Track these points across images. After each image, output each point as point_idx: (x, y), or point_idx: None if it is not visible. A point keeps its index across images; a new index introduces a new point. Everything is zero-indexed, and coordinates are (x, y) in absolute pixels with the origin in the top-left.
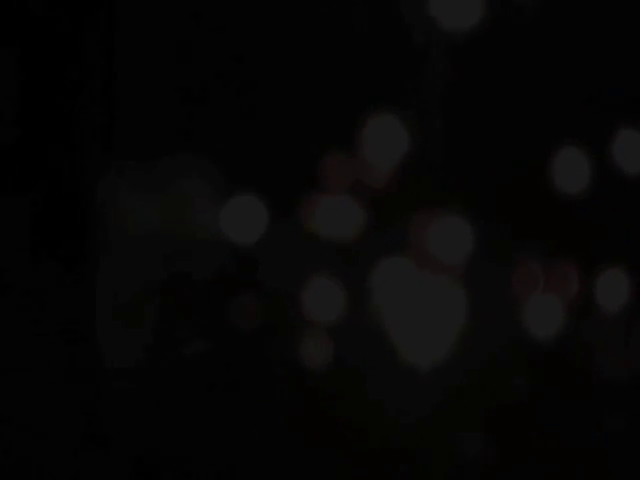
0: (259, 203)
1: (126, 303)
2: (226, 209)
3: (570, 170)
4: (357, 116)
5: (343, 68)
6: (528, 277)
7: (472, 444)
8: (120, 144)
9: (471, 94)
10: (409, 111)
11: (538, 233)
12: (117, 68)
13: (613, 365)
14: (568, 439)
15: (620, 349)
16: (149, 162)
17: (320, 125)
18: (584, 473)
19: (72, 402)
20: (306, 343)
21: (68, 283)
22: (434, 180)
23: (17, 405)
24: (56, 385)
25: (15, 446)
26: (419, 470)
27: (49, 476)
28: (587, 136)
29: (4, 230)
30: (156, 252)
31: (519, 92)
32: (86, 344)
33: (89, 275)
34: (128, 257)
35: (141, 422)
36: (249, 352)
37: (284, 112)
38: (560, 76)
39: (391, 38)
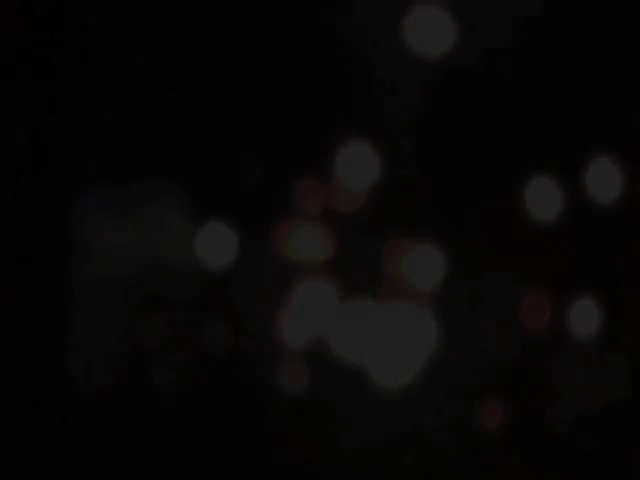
0: (231, 228)
1: (99, 324)
2: (199, 234)
3: (542, 198)
4: (329, 142)
5: (314, 95)
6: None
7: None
8: (94, 168)
9: (443, 120)
10: (381, 137)
11: (510, 260)
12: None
13: (583, 392)
14: (543, 463)
15: (591, 376)
16: (122, 188)
17: (292, 151)
18: None
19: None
20: (278, 368)
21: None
22: (405, 206)
23: None
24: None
25: None
26: None
27: None
28: (560, 164)
29: None
30: (129, 277)
31: (491, 120)
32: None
33: (60, 297)
34: (101, 281)
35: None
36: (221, 377)
37: (256, 138)
38: (534, 103)
39: (362, 64)
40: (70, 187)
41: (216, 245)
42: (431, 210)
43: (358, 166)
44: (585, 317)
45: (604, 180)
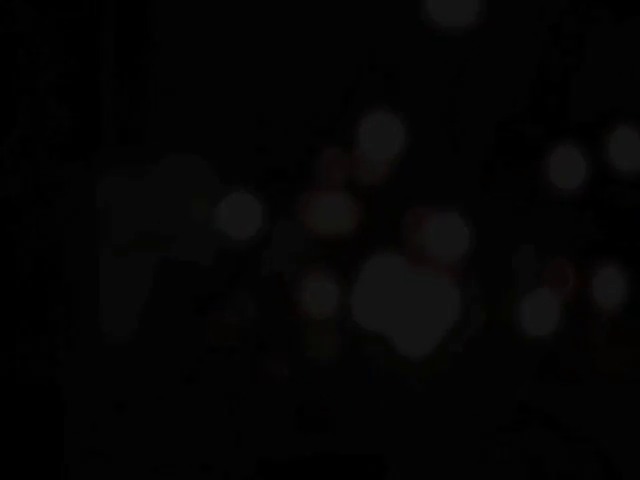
0: (255, 200)
1: (124, 297)
2: (222, 205)
3: (566, 167)
4: (352, 113)
5: (338, 66)
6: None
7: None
8: (116, 142)
9: (467, 90)
10: (404, 107)
11: (534, 230)
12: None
13: (609, 362)
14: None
15: (616, 347)
16: (145, 160)
17: (315, 122)
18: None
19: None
20: (303, 339)
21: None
22: (430, 177)
23: None
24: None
25: None
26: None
27: None
28: (583, 133)
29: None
30: (152, 252)
31: (514, 89)
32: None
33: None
34: (123, 252)
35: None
36: (246, 347)
37: (279, 109)
38: (555, 74)
39: (387, 35)
40: (92, 157)
41: (240, 216)
42: (455, 180)
43: (381, 136)
44: (610, 287)
45: (627, 149)
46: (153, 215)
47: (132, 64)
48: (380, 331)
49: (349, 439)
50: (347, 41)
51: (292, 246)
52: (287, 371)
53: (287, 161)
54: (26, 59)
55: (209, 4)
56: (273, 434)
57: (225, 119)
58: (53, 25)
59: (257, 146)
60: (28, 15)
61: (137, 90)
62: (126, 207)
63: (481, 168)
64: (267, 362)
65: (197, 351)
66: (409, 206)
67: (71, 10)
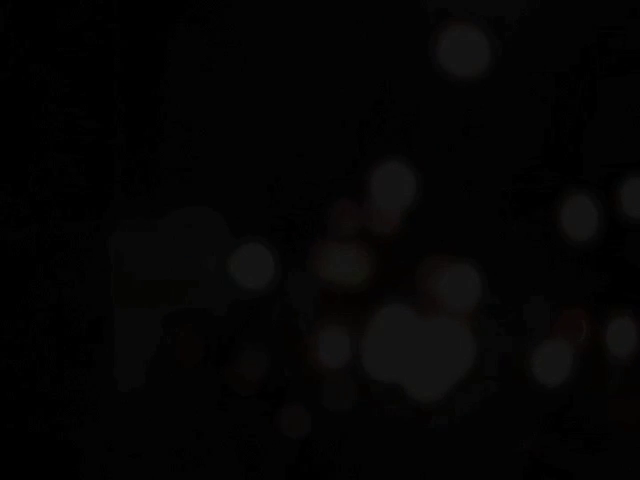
0: (268, 251)
1: (138, 348)
2: (237, 256)
3: (578, 216)
4: (365, 164)
5: (351, 116)
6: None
7: None
8: (128, 195)
9: (479, 140)
10: (416, 157)
11: (547, 280)
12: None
13: (623, 412)
14: None
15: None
16: (159, 212)
17: (328, 173)
18: None
19: None
20: (317, 389)
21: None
22: (442, 227)
23: None
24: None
25: None
26: None
27: None
28: (596, 184)
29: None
30: (165, 298)
31: (526, 140)
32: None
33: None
34: (137, 301)
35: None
36: (259, 396)
37: (292, 161)
38: (567, 123)
39: (399, 85)
40: (108, 207)
41: (254, 266)
42: (468, 230)
43: (394, 186)
44: (623, 336)
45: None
46: (166, 267)
47: (144, 116)
48: (393, 381)
49: None
50: (359, 92)
51: (305, 297)
52: (301, 421)
53: (300, 212)
54: (36, 113)
55: (219, 55)
56: None
57: (237, 170)
58: (64, 79)
59: (270, 197)
60: (39, 70)
61: (149, 141)
62: (140, 259)
63: (494, 217)
64: (281, 412)
65: (210, 401)
66: (422, 256)
67: (82, 65)
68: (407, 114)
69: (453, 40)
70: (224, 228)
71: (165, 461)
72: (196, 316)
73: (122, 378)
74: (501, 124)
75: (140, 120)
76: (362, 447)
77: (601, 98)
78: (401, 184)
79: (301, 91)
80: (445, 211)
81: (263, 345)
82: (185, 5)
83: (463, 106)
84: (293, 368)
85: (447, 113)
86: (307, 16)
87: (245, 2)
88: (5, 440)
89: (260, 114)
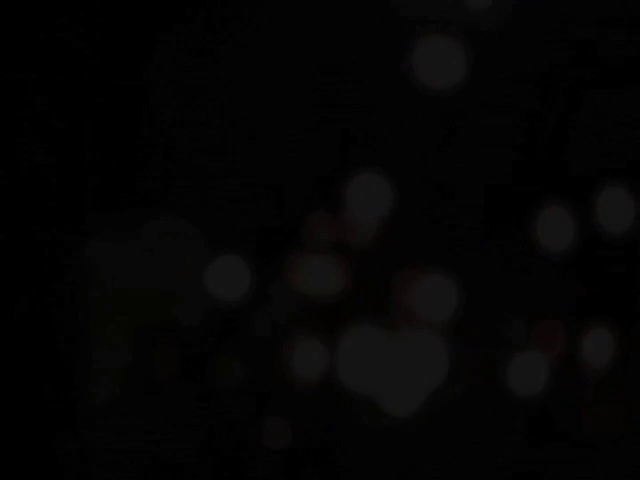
0: (243, 262)
1: (112, 360)
2: (213, 269)
3: (554, 228)
4: (339, 176)
5: (325, 129)
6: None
7: None
8: (102, 204)
9: (455, 150)
10: (392, 168)
11: (523, 291)
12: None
13: (599, 422)
14: None
15: (604, 406)
16: (133, 224)
17: (302, 185)
18: None
19: None
20: (290, 400)
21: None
22: (418, 238)
23: None
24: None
25: None
26: None
27: None
28: (572, 195)
29: None
30: (140, 311)
31: (502, 150)
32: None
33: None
34: (111, 314)
35: None
36: (233, 409)
37: (267, 171)
38: (543, 135)
39: (375, 98)
40: (81, 218)
41: (228, 278)
42: (443, 241)
43: (369, 198)
44: (599, 348)
45: (615, 210)
46: (143, 278)
47: (119, 128)
48: (368, 393)
49: None
50: (334, 103)
51: (281, 308)
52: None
53: (275, 223)
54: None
55: (198, 67)
56: None
57: (213, 182)
58: (41, 92)
59: (246, 209)
60: (15, 81)
61: (124, 154)
62: (116, 270)
63: (470, 229)
64: (259, 422)
65: (187, 413)
66: (397, 268)
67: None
68: (382, 125)
69: (429, 50)
70: (200, 240)
71: (143, 472)
72: (172, 328)
73: (98, 391)
74: (477, 134)
75: (116, 133)
76: (340, 457)
77: (579, 108)
78: (377, 196)
79: (276, 104)
80: (420, 223)
81: (240, 357)
82: (167, 17)
83: (439, 116)
84: (269, 380)
85: (423, 123)
86: (284, 28)
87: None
88: None
89: (237, 126)
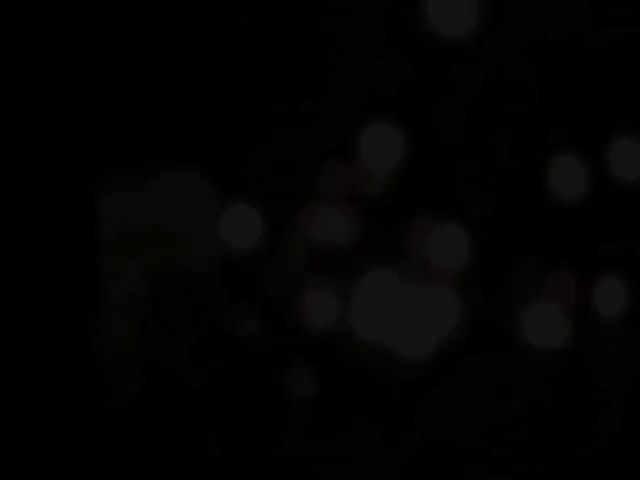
0: (256, 212)
1: (124, 311)
2: (224, 217)
3: (567, 178)
4: (353, 125)
5: (339, 79)
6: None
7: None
8: (115, 156)
9: (467, 104)
10: (405, 118)
11: (535, 241)
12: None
13: (612, 374)
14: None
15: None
16: (145, 173)
17: (316, 134)
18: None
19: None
20: (301, 352)
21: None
22: (430, 188)
23: None
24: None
25: None
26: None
27: None
28: (584, 144)
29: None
30: (151, 259)
31: (516, 101)
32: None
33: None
34: (122, 264)
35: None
36: (245, 360)
37: (279, 123)
38: (556, 84)
39: (386, 47)
40: (92, 170)
41: (241, 228)
42: (456, 191)
43: (382, 147)
44: (611, 298)
45: (628, 160)
46: (154, 226)
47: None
48: (381, 341)
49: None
50: (345, 55)
51: (293, 257)
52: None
53: (287, 173)
54: None
55: None
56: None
57: (224, 132)
58: None
59: (257, 158)
60: None
61: (133, 104)
62: (126, 221)
63: (482, 178)
64: (272, 371)
65: (197, 363)
66: (410, 217)
67: None
68: (394, 76)
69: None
70: (212, 190)
71: (160, 422)
72: (183, 276)
73: (109, 332)
74: (487, 82)
75: (127, 87)
76: (351, 407)
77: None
78: (388, 145)
79: (291, 53)
80: (432, 172)
81: (251, 306)
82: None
83: (450, 67)
84: (281, 329)
85: (434, 74)
86: None
87: None
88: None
89: (246, 73)
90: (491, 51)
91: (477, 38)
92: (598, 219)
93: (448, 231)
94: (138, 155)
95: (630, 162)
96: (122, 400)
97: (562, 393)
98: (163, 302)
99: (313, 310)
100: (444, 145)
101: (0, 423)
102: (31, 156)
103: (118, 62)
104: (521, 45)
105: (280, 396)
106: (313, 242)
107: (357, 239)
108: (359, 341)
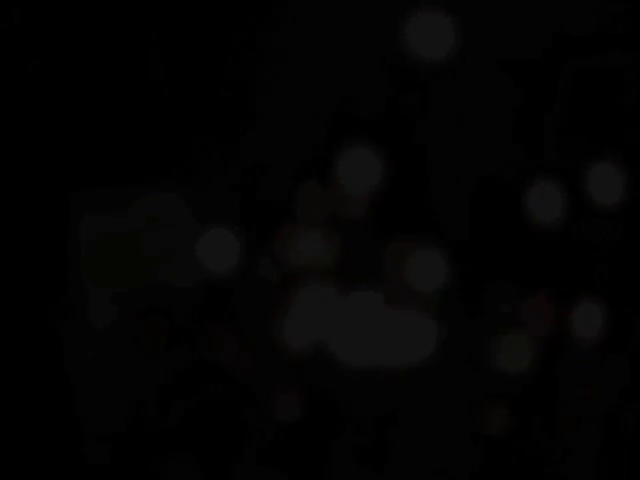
0: (234, 235)
1: (104, 335)
2: (201, 239)
3: (544, 202)
4: (332, 148)
5: (316, 101)
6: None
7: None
8: (94, 177)
9: (446, 123)
10: (383, 140)
11: (512, 266)
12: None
13: (587, 398)
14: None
15: (594, 382)
16: (123, 191)
17: (293, 157)
18: None
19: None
20: (281, 373)
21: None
22: (408, 211)
23: None
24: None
25: None
26: None
27: None
28: (561, 167)
29: None
30: (130, 284)
31: (493, 123)
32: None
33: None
34: (101, 286)
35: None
36: (223, 383)
37: (259, 143)
38: (533, 108)
39: (365, 69)
40: (70, 190)
41: (219, 250)
42: (433, 214)
43: (360, 170)
44: (589, 321)
45: (606, 184)
46: (134, 249)
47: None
48: (359, 363)
49: None
50: (325, 76)
51: (270, 280)
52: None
53: (266, 195)
54: None
55: None
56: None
57: (206, 153)
58: None
59: (235, 181)
60: None
61: (114, 126)
62: (106, 245)
63: (460, 202)
64: (249, 394)
65: (176, 386)
66: (388, 240)
67: None
68: (371, 99)
69: (419, 24)
70: (190, 213)
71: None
72: (162, 298)
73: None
74: (464, 108)
75: (103, 109)
76: (332, 427)
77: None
78: (366, 168)
79: (268, 78)
80: (410, 195)
81: (229, 328)
82: None
83: (427, 89)
84: (259, 351)
85: (412, 97)
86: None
87: None
88: None
89: (228, 94)
90: (468, 72)
91: (454, 59)
92: (576, 242)
93: (425, 254)
94: (117, 176)
95: (608, 186)
96: (98, 428)
97: (531, 419)
98: (142, 323)
99: (290, 333)
100: (422, 168)
101: None
102: (11, 174)
103: (92, 84)
104: (498, 67)
105: (258, 420)
106: (290, 265)
107: (335, 262)
108: (337, 364)
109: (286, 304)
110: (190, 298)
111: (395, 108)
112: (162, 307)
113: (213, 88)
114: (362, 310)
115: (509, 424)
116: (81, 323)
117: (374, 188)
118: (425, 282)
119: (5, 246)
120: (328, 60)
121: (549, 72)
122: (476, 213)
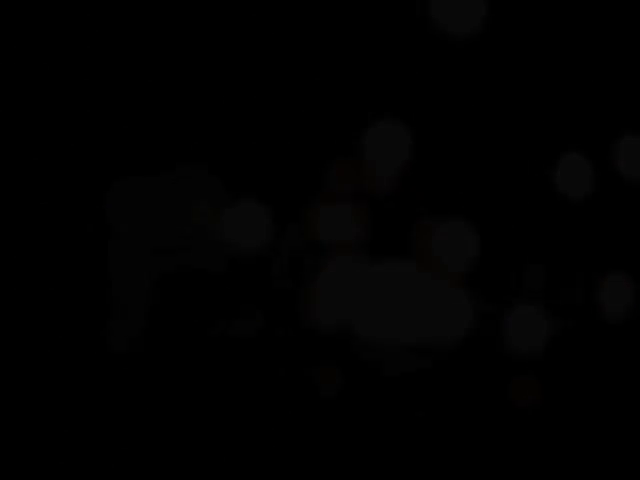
0: (263, 210)
1: (132, 306)
2: (231, 216)
3: (573, 176)
4: (360, 124)
5: (345, 77)
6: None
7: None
8: (124, 154)
9: (473, 101)
10: (411, 117)
11: (541, 239)
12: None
13: (614, 369)
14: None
15: (620, 354)
16: (154, 171)
17: (324, 133)
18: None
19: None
20: (308, 346)
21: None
22: (437, 186)
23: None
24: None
25: None
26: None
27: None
28: (590, 142)
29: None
30: (160, 259)
31: (522, 99)
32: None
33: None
34: (132, 263)
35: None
36: (253, 357)
37: (289, 120)
38: (563, 82)
39: (395, 45)
40: (102, 170)
41: (248, 227)
42: (462, 189)
43: (389, 146)
44: (616, 295)
45: (633, 157)
46: (161, 225)
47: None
48: (385, 337)
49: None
50: (354, 52)
51: (300, 255)
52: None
53: (295, 171)
54: None
55: None
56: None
57: (233, 129)
58: None
59: (266, 156)
60: None
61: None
62: (135, 217)
63: (488, 177)
64: (280, 370)
65: (202, 362)
66: (416, 215)
67: None
68: (400, 74)
69: None
70: (220, 187)
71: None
72: (192, 275)
73: (114, 335)
74: (492, 81)
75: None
76: (360, 402)
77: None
78: (395, 143)
79: (296, 53)
80: (439, 170)
81: (258, 304)
82: None
83: (455, 64)
84: (288, 327)
85: (440, 72)
86: None
87: None
88: None
89: (258, 72)
90: (496, 50)
91: (484, 38)
92: (604, 216)
93: (454, 230)
94: (148, 154)
95: (635, 159)
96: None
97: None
98: (172, 299)
99: (320, 307)
100: (450, 145)
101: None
102: (41, 162)
103: (118, 69)
104: (525, 44)
105: (295, 395)
106: (319, 240)
107: (363, 237)
108: (365, 338)
109: (315, 280)
110: (220, 273)
111: (424, 85)
112: (192, 283)
113: (241, 69)
114: (392, 284)
115: (538, 397)
116: (112, 297)
117: (402, 163)
118: (454, 257)
119: (40, 227)
120: (357, 37)
121: (575, 48)
122: (504, 188)
